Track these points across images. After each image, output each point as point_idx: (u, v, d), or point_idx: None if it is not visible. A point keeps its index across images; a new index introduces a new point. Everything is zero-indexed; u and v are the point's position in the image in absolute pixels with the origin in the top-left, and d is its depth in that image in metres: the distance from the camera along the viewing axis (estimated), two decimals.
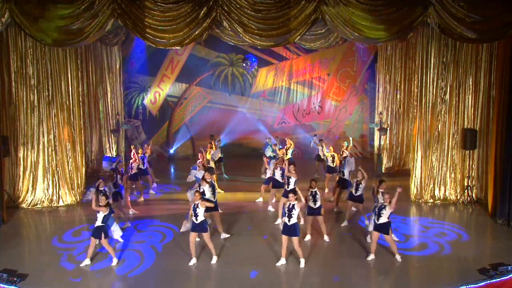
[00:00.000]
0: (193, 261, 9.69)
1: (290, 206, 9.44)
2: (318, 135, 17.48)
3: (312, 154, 18.88)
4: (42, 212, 12.94)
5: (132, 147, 14.46)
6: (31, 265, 9.64)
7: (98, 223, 9.47)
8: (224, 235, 10.91)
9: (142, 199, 13.76)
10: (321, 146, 15.37)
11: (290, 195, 9.54)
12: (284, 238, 9.52)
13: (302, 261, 9.56)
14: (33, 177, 13.12)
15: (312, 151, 18.77)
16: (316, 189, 10.43)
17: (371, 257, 9.73)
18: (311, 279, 9.14)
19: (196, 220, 9.49)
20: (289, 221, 9.41)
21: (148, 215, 12.49)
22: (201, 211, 9.46)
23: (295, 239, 9.44)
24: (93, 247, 9.67)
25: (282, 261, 9.63)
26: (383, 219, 9.45)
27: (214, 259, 9.75)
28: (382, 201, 9.57)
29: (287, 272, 9.54)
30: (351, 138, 15.10)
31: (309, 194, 10.38)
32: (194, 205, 9.49)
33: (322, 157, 15.29)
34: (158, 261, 9.81)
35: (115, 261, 9.63)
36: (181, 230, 10.12)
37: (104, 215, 9.45)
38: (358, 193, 11.27)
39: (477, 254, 10.13)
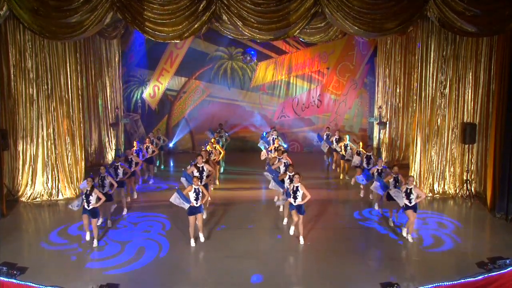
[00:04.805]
0: (192, 242, 10.16)
1: (294, 188, 10.00)
2: (330, 127, 17.25)
3: (312, 147, 19.07)
4: (41, 206, 12.96)
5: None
6: (30, 258, 9.66)
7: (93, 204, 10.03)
8: None
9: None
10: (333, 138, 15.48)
11: (296, 176, 10.17)
12: (294, 212, 10.19)
13: (301, 238, 10.25)
14: (32, 171, 13.12)
15: (312, 144, 18.94)
16: (293, 173, 10.76)
17: (405, 233, 10.47)
18: (311, 274, 9.19)
19: (197, 203, 10.00)
20: (294, 202, 10.08)
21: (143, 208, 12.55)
22: (201, 195, 10.02)
23: (300, 217, 10.14)
24: (95, 226, 10.23)
25: (291, 230, 10.65)
26: (413, 201, 10.14)
27: (202, 238, 10.35)
28: (407, 185, 10.23)
29: (286, 265, 9.62)
30: (348, 137, 15.03)
31: (286, 177, 10.92)
32: (196, 189, 9.95)
33: (338, 149, 15.25)
34: (157, 255, 9.83)
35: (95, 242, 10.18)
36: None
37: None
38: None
39: (476, 248, 10.15)
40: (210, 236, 10.70)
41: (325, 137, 16.08)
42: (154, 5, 11.37)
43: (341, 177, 15.27)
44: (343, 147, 14.60)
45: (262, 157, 14.43)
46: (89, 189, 10.00)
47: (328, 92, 19.21)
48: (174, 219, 11.50)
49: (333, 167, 16.28)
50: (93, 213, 10.09)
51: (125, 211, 12.12)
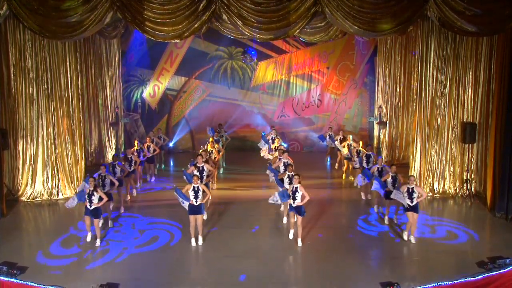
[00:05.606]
0: (193, 241, 10.19)
1: (294, 189, 9.93)
2: (332, 127, 17.22)
3: (312, 147, 19.08)
4: (41, 205, 12.96)
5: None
6: (31, 258, 9.64)
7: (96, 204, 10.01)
8: None
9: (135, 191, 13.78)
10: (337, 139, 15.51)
11: (295, 176, 10.05)
12: (292, 214, 10.19)
13: (299, 240, 10.15)
14: (32, 170, 13.12)
15: (313, 144, 18.96)
16: (292, 173, 10.77)
17: (406, 237, 10.35)
18: (311, 274, 9.19)
19: (196, 202, 9.98)
20: (294, 203, 9.96)
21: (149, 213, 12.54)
22: (201, 193, 9.99)
23: (299, 218, 10.03)
24: (97, 226, 10.25)
25: (291, 233, 10.44)
26: (415, 200, 10.01)
27: (200, 240, 10.25)
28: (409, 185, 10.10)
29: (286, 265, 9.62)
30: (351, 136, 15.03)
31: (286, 177, 10.95)
32: (195, 188, 9.95)
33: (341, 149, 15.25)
34: (158, 254, 9.84)
35: (98, 241, 10.16)
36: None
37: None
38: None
39: (476, 247, 10.15)
40: (210, 236, 10.69)
41: (327, 137, 16.10)
42: (154, 5, 11.37)
43: (343, 177, 15.25)
44: (346, 147, 14.58)
45: (262, 154, 14.45)
46: (91, 188, 10.00)
47: (328, 91, 19.20)
48: (174, 219, 11.48)
49: (336, 167, 16.26)
50: (95, 213, 10.08)
51: (122, 210, 12.16)
